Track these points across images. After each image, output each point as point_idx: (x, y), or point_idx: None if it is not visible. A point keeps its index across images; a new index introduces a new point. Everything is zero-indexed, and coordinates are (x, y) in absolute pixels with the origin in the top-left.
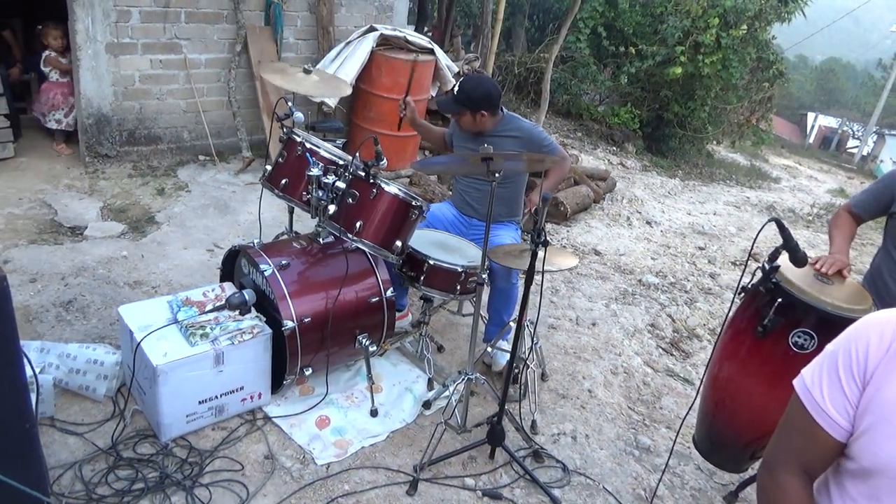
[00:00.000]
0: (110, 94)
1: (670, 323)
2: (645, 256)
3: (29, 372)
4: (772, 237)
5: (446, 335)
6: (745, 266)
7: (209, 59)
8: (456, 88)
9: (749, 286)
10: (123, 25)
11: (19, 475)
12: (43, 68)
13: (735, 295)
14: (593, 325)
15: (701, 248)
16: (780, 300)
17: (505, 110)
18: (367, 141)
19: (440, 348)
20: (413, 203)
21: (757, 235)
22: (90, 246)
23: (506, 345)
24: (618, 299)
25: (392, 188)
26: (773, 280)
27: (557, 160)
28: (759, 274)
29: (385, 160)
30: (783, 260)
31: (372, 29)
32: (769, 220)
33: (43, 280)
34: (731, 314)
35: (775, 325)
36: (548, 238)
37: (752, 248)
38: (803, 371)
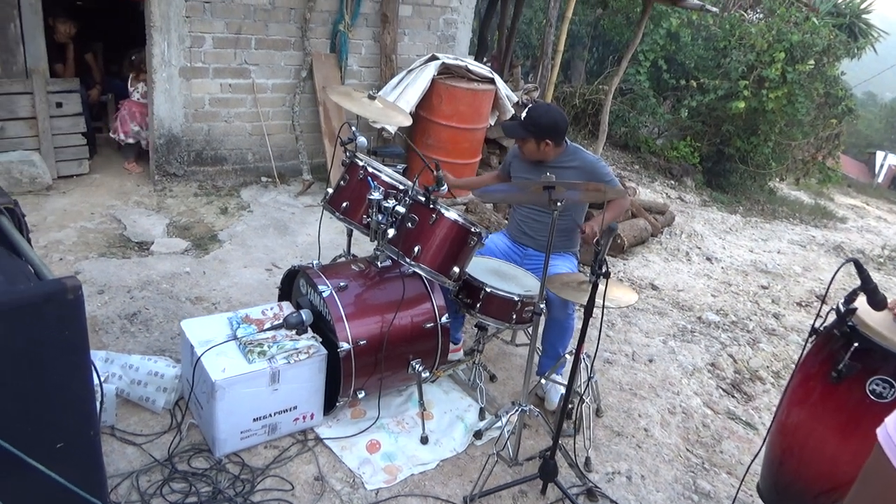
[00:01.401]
0: (181, 116)
1: (732, 363)
2: (704, 293)
3: (95, 380)
4: (840, 278)
5: (499, 365)
6: (822, 306)
7: (276, 84)
8: (524, 114)
9: (822, 329)
10: (197, 50)
11: (81, 481)
12: (130, 87)
13: (807, 338)
14: (650, 361)
15: (764, 287)
16: (856, 345)
17: (569, 141)
18: (428, 166)
19: (493, 378)
20: (472, 229)
21: (834, 275)
22: (156, 261)
23: (560, 378)
24: (676, 336)
25: (451, 214)
26: (850, 323)
27: (619, 192)
28: (832, 316)
29: (445, 186)
30: (860, 302)
31: (434, 58)
32: (847, 261)
33: (110, 292)
34: (801, 357)
35: (851, 370)
36: (609, 271)
37: (828, 289)
38: (887, 420)
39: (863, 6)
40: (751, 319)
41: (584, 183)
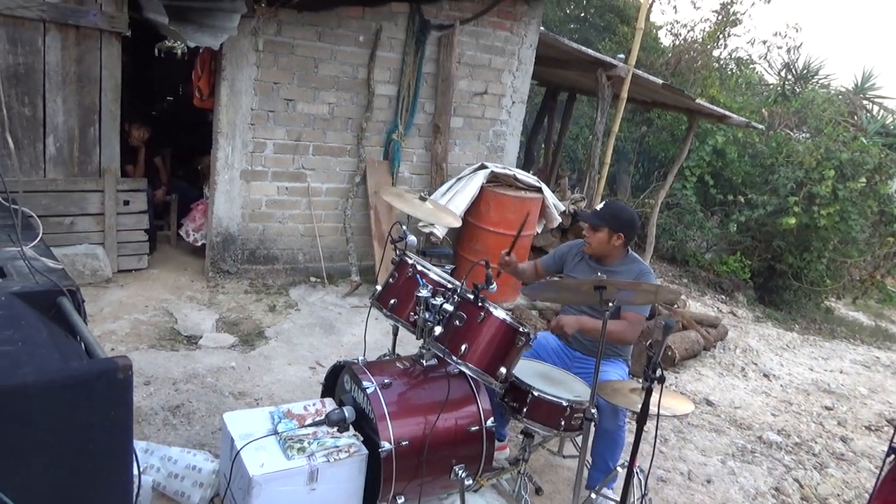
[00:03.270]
0: (238, 216)
1: (798, 489)
2: (764, 411)
3: (134, 470)
4: None
5: (545, 477)
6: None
7: (330, 188)
8: (601, 205)
9: None
10: (258, 155)
11: None
12: (206, 188)
13: (885, 458)
14: (708, 482)
15: (828, 408)
16: None
17: (630, 251)
18: (477, 266)
19: (538, 490)
20: (520, 329)
21: None
22: (202, 355)
23: (611, 493)
24: (735, 456)
25: (500, 313)
26: None
27: (671, 294)
28: None
29: (494, 284)
30: None
31: (483, 166)
32: None
33: (156, 383)
34: (879, 481)
35: None
36: (664, 375)
37: None
38: None
39: None
40: (816, 442)
41: (636, 283)
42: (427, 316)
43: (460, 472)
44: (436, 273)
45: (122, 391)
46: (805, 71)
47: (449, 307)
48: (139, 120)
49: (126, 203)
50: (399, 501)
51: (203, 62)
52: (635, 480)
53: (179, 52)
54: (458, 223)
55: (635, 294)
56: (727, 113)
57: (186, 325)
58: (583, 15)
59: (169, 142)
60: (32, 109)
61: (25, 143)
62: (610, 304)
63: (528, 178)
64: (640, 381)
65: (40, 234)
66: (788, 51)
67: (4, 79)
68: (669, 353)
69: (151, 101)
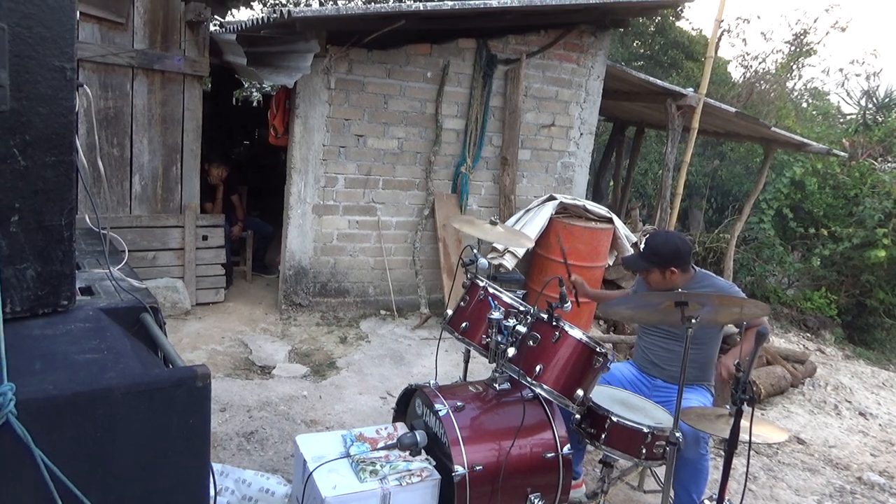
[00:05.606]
0: (311, 250)
1: None
2: (862, 451)
3: (210, 491)
4: None
5: None
6: None
7: (399, 221)
8: (643, 245)
9: None
10: (330, 189)
11: None
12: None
13: None
14: None
15: None
16: None
17: (696, 268)
18: (552, 281)
19: None
20: (597, 350)
21: None
22: (276, 384)
23: None
24: (833, 496)
25: (576, 332)
26: None
27: (759, 308)
28: None
29: (570, 303)
30: None
31: (552, 198)
32: None
33: (231, 410)
34: None
35: None
36: (754, 394)
37: None
38: None
39: None
40: None
41: (718, 295)
42: (500, 338)
43: (537, 501)
44: (508, 296)
45: (201, 399)
46: (887, 99)
47: (522, 328)
48: (218, 159)
49: (205, 238)
50: None
51: (278, 101)
52: None
53: (255, 101)
54: (531, 244)
55: (719, 310)
56: (806, 140)
57: (260, 355)
58: (647, 52)
59: (244, 181)
60: (120, 150)
61: (114, 182)
62: (693, 321)
63: (599, 208)
64: (728, 406)
65: (125, 258)
66: (867, 78)
67: (97, 122)
68: (755, 390)
69: (229, 144)
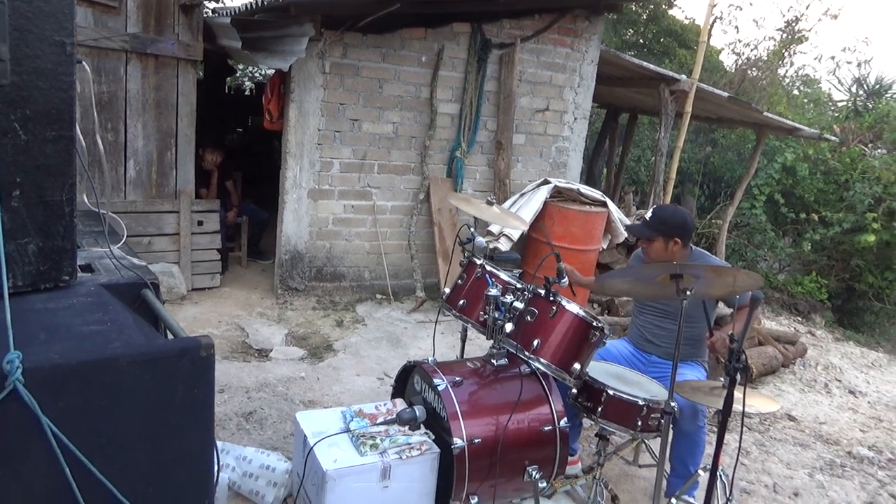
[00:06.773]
0: (306, 234)
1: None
2: (851, 427)
3: (214, 462)
4: None
5: (621, 486)
6: None
7: (394, 205)
8: (649, 214)
9: None
10: (325, 174)
11: None
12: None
13: None
14: (795, 495)
15: None
16: None
17: (693, 246)
18: (549, 258)
19: (615, 499)
20: (593, 324)
21: None
22: (273, 366)
23: (692, 500)
24: (823, 469)
25: (573, 307)
26: None
27: (754, 279)
28: None
29: (567, 278)
30: None
31: (546, 181)
32: None
33: (229, 391)
34: None
35: None
36: (747, 364)
37: None
38: None
39: None
40: None
41: (712, 266)
42: (497, 315)
43: (534, 473)
44: (505, 274)
45: (205, 369)
46: (878, 86)
47: (519, 304)
48: (212, 145)
49: (200, 223)
50: (472, 502)
51: (273, 86)
52: (718, 484)
53: (247, 89)
54: (525, 227)
55: (714, 282)
56: (797, 125)
57: (257, 339)
58: (640, 41)
59: (239, 167)
60: (115, 135)
61: (109, 167)
62: (688, 293)
63: (593, 192)
64: (722, 379)
65: (124, 238)
66: (859, 65)
67: (95, 103)
68: (747, 364)
69: (222, 131)
